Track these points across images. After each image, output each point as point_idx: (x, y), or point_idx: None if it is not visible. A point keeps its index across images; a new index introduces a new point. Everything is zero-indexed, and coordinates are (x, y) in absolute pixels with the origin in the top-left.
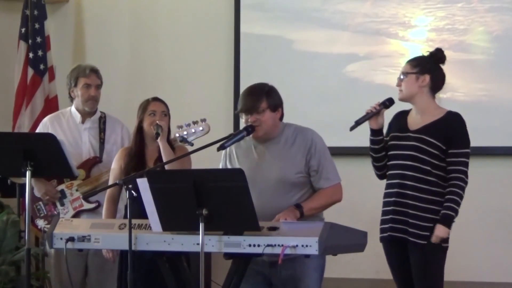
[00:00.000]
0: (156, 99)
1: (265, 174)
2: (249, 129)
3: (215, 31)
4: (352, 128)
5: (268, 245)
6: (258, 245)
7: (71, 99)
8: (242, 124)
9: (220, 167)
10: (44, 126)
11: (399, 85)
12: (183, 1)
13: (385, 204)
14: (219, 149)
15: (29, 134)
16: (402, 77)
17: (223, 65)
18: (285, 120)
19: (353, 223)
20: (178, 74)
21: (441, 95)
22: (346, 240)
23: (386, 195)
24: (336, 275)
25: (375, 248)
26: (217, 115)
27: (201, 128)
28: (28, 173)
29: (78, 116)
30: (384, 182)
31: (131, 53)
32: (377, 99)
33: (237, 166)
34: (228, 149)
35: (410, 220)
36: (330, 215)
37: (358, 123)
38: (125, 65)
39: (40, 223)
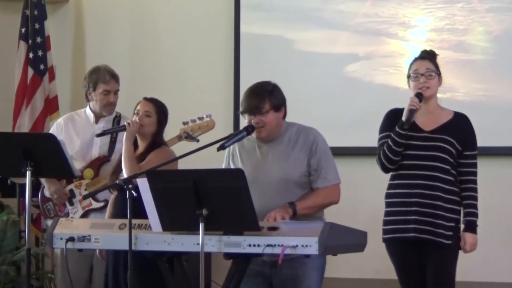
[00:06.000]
0: (144, 99)
1: (267, 174)
2: (249, 129)
3: (215, 31)
4: (406, 128)
5: (268, 245)
6: (258, 245)
7: (88, 100)
8: (243, 124)
9: (223, 166)
10: (58, 126)
11: (425, 81)
12: (183, 1)
13: (402, 204)
14: (219, 149)
15: (29, 134)
16: (430, 74)
17: (223, 65)
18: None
19: (353, 223)
20: (178, 73)
21: (441, 95)
22: (346, 240)
23: (403, 195)
24: (336, 275)
25: (375, 248)
26: (217, 115)
27: (206, 124)
28: (28, 173)
29: (91, 116)
30: (385, 180)
31: (131, 53)
32: (377, 99)
33: (240, 166)
34: (231, 148)
35: (436, 221)
36: (330, 215)
37: (409, 121)
38: (125, 65)
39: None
